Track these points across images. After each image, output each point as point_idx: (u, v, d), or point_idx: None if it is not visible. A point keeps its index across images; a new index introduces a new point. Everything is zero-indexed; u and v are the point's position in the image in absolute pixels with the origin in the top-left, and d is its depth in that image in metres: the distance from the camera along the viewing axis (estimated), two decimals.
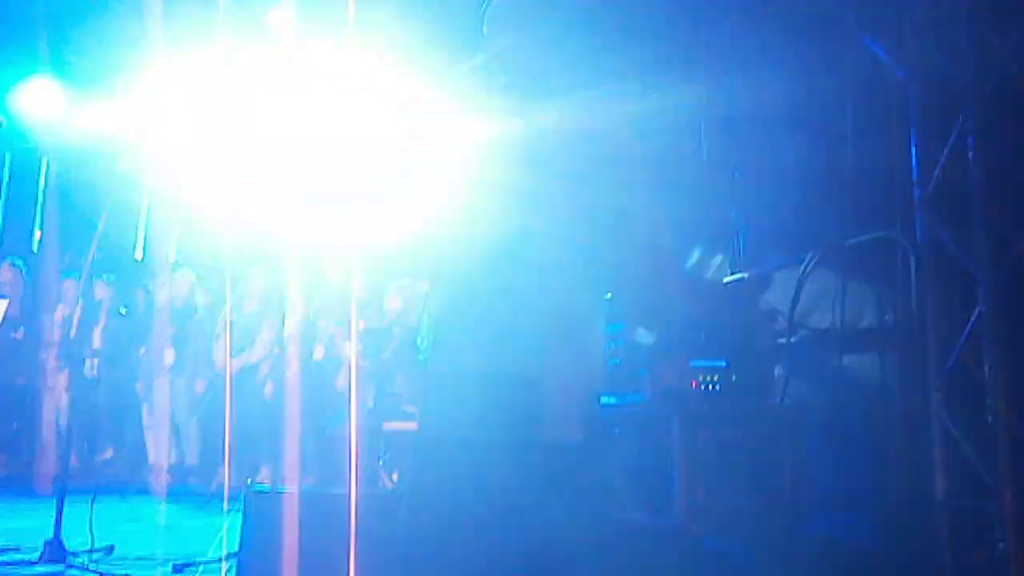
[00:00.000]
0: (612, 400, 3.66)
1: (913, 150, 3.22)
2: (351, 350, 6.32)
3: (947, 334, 3.10)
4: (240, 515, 3.06)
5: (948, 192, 3.08)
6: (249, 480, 6.34)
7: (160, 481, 6.73)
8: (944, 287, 3.14)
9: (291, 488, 3.48)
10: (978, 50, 3.01)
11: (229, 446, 6.82)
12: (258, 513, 2.95)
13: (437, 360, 2.20)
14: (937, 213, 3.13)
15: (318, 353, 6.12)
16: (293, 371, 6.51)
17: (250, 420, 6.82)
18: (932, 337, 3.15)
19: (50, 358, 7.06)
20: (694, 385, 3.38)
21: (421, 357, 2.31)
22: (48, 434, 7.07)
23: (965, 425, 3.01)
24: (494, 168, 2.11)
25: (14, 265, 7.15)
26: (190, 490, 6.56)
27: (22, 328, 7.01)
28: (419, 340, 2.36)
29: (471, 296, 2.12)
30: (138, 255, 8.40)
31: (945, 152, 3.08)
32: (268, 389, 6.80)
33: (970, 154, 3.00)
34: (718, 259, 4.53)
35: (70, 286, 7.24)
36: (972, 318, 2.97)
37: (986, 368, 2.93)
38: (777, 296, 3.75)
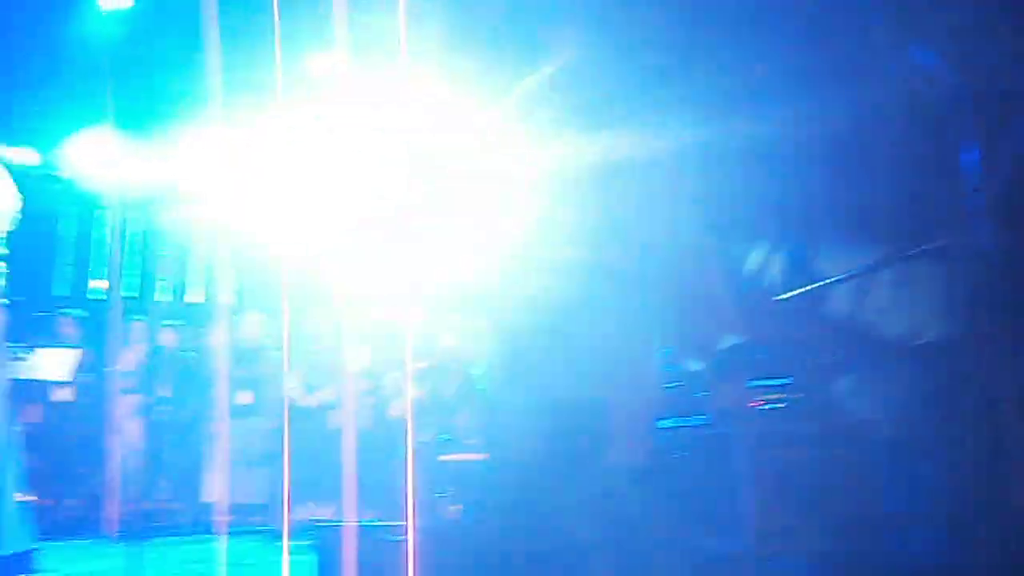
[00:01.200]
0: (673, 423, 3.63)
1: (975, 155, 3.15)
2: (408, 386, 6.37)
3: (1015, 343, 3.02)
4: (309, 551, 3.10)
5: (1012, 197, 3.01)
6: (318, 516, 6.42)
7: (230, 521, 6.85)
8: (1011, 294, 3.06)
9: (354, 521, 3.50)
10: None
11: (289, 485, 6.93)
12: (327, 548, 2.99)
13: (501, 392, 2.21)
14: (1001, 218, 3.05)
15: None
16: (348, 407, 6.62)
17: (322, 457, 6.92)
18: (1000, 346, 3.06)
19: (120, 403, 7.27)
20: (756, 405, 3.33)
21: (482, 388, 2.33)
22: (119, 477, 7.26)
23: None
24: (553, 207, 2.14)
25: (76, 317, 7.40)
26: (260, 529, 6.65)
27: (92, 375, 7.23)
28: (479, 373, 2.38)
29: (532, 330, 2.13)
30: (201, 299, 8.62)
31: (1008, 156, 3.01)
32: (336, 425, 6.90)
33: None
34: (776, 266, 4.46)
35: (137, 331, 7.46)
36: None
37: None
38: (838, 309, 3.69)
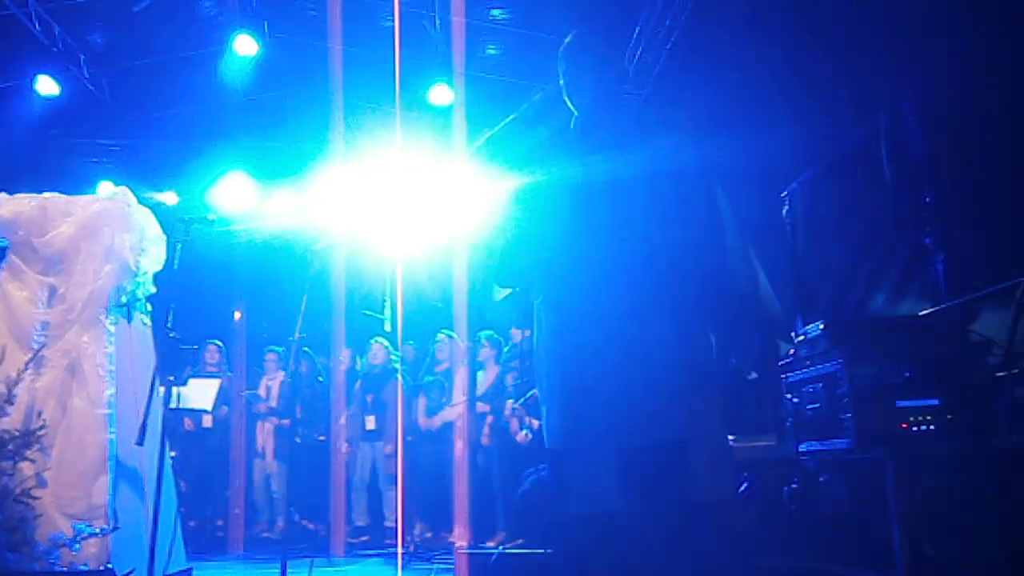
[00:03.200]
0: (814, 447, 3.50)
1: None
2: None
3: None
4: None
5: None
6: (450, 540, 6.54)
7: (366, 542, 7.06)
8: None
9: (495, 548, 3.54)
10: None
11: (415, 507, 7.07)
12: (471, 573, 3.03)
13: (573, 444, 2.18)
14: None
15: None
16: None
17: (445, 479, 7.06)
18: None
19: (259, 428, 7.63)
20: (905, 427, 3.16)
21: (548, 447, 2.28)
22: (260, 498, 7.61)
23: None
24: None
25: (219, 347, 7.83)
26: (390, 550, 6.82)
27: (229, 404, 7.62)
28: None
29: (596, 377, 2.12)
30: (333, 327, 8.96)
31: None
32: (459, 448, 7.01)
33: None
34: (880, 297, 4.29)
35: (272, 360, 7.83)
36: None
37: None
38: (989, 326, 3.47)
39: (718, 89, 4.78)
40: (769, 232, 5.14)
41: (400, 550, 6.63)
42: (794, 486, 3.46)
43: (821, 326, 3.57)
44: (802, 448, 3.52)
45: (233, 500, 7.69)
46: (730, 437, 4.16)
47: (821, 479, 3.53)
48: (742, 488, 4.00)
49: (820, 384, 3.48)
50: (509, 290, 2.63)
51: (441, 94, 7.50)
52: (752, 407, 4.33)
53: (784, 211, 5.21)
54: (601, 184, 2.24)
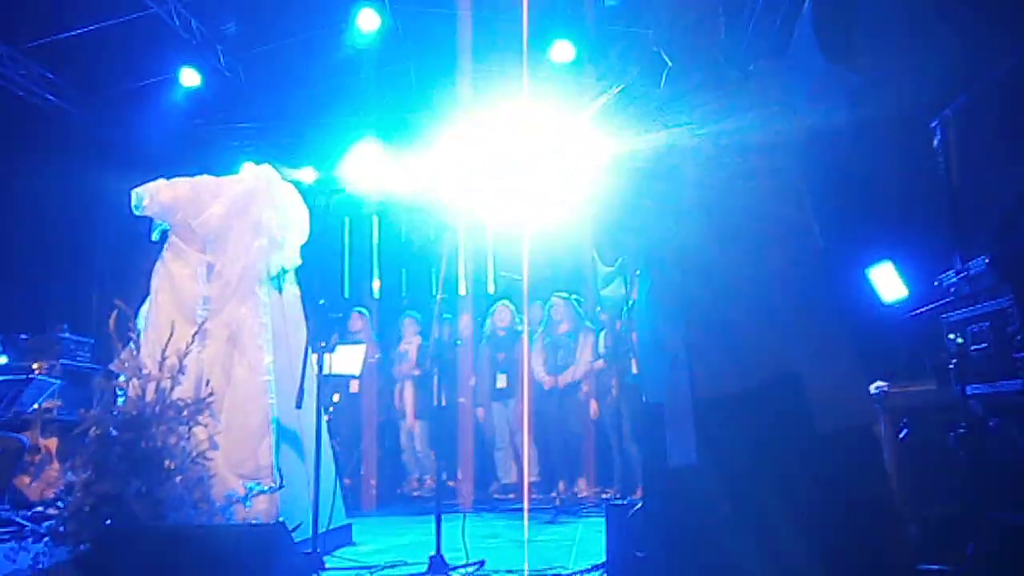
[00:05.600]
0: (982, 390, 3.29)
1: None
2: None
3: None
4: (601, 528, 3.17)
5: None
6: (603, 495, 6.62)
7: (509, 499, 7.25)
8: None
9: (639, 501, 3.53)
10: None
11: (549, 464, 7.13)
12: (619, 526, 3.04)
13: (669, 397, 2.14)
14: None
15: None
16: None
17: (576, 435, 7.13)
18: None
19: (401, 391, 7.92)
20: None
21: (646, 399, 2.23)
22: (408, 459, 7.93)
23: None
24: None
25: (362, 314, 8.14)
26: (535, 505, 6.96)
27: (377, 367, 7.92)
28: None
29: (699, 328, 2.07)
30: (462, 291, 9.15)
31: None
32: (593, 408, 7.04)
33: None
34: None
35: (410, 325, 8.08)
36: None
37: None
38: None
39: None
40: (919, 166, 4.81)
41: (549, 505, 6.76)
42: (961, 431, 3.26)
43: (986, 260, 3.33)
44: (968, 391, 3.30)
45: (384, 461, 8.06)
46: (882, 383, 3.98)
47: (991, 423, 3.31)
48: (901, 435, 3.82)
49: (987, 323, 3.25)
50: (611, 269, 2.57)
51: (563, 51, 7.43)
52: (907, 351, 4.11)
53: (935, 142, 4.85)
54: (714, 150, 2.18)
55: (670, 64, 2.30)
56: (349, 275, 9.87)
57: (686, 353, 2.11)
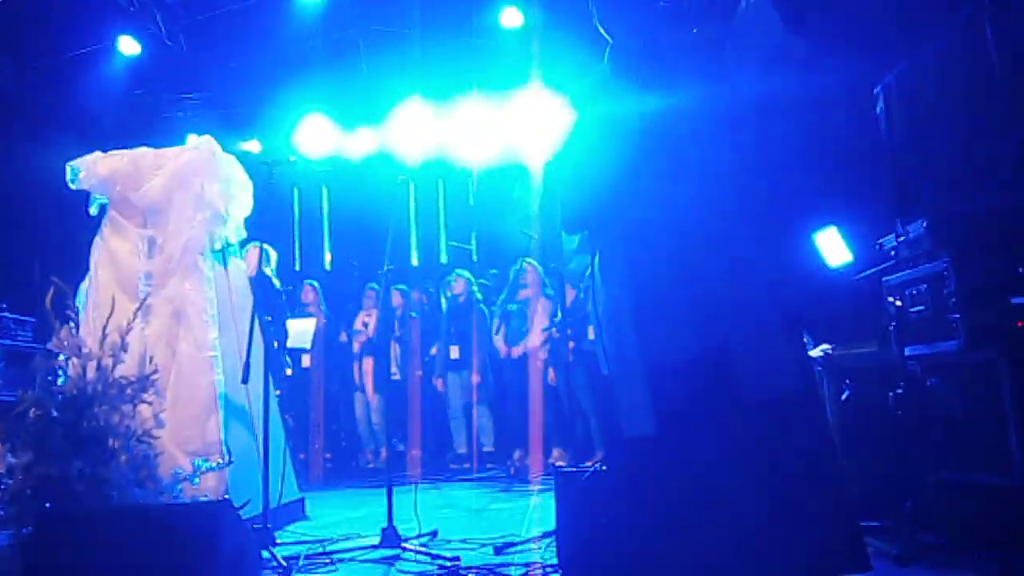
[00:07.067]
0: (920, 350, 3.36)
1: None
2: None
3: None
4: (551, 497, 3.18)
5: None
6: (550, 463, 6.66)
7: (463, 469, 7.27)
8: None
9: (594, 467, 3.56)
10: None
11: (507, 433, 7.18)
12: (568, 494, 3.06)
13: (618, 369, 2.17)
14: None
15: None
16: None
17: (534, 404, 7.14)
18: None
19: (358, 364, 7.87)
20: (1021, 325, 2.99)
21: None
22: (363, 430, 7.91)
23: None
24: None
25: (313, 286, 8.04)
26: (490, 475, 7.00)
27: (331, 340, 7.85)
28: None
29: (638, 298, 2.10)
30: (414, 262, 9.09)
31: None
32: (551, 376, 7.06)
33: None
34: None
35: (371, 297, 7.99)
36: None
37: None
38: None
39: None
40: (862, 132, 4.87)
41: (506, 473, 6.80)
42: (899, 391, 3.34)
43: (924, 224, 3.38)
44: (907, 352, 3.38)
45: (339, 434, 8.02)
46: (827, 346, 4.06)
47: (928, 383, 3.39)
48: (844, 396, 3.90)
49: (925, 285, 3.32)
50: (576, 237, 2.59)
51: (512, 17, 7.34)
52: (852, 314, 4.19)
53: (878, 108, 4.91)
54: (653, 119, 2.17)
55: (610, 40, 2.31)
56: (299, 247, 9.73)
57: (634, 321, 2.12)
